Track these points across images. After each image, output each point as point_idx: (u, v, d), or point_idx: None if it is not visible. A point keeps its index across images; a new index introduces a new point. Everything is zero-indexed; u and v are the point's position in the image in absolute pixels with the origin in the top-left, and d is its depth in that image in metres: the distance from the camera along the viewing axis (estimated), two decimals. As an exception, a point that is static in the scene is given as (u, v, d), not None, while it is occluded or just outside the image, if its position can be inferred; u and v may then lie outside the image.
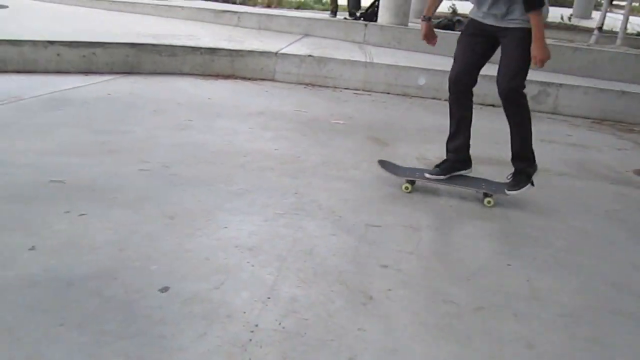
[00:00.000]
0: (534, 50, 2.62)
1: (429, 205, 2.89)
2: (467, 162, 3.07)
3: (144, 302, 1.73)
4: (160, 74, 5.62)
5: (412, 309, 1.88)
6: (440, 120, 4.87)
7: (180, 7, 8.66)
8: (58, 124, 3.60)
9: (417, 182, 3.05)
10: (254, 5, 11.15)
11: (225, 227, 2.31)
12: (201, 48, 5.83)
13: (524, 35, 2.64)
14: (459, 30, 7.62)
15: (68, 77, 5.03)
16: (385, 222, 2.57)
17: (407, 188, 3.02)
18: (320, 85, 5.91)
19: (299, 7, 10.48)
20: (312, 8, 10.53)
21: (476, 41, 2.88)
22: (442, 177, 3.01)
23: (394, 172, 3.09)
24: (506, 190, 2.92)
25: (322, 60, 5.91)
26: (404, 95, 5.85)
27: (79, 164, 2.90)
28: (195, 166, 3.04)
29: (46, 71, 5.17)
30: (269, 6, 10.79)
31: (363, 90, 5.90)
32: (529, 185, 2.90)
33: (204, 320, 1.66)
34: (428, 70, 5.86)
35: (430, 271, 2.17)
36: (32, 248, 1.99)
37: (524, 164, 2.91)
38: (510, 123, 2.86)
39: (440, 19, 8.60)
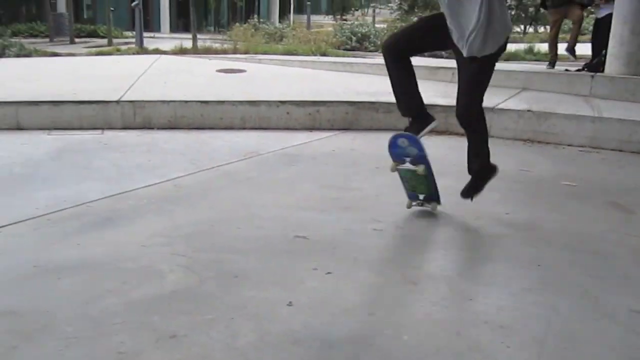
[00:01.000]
0: None
1: None
2: (428, 117, 3.06)
3: (402, 375, 1.70)
4: (376, 129, 5.80)
5: None
6: (697, 184, 4.23)
7: (392, 64, 9.01)
8: (293, 179, 3.88)
9: None
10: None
11: (471, 299, 2.21)
12: (416, 105, 5.91)
13: (488, 62, 2.82)
14: None
15: (295, 134, 5.45)
16: (654, 309, 2.22)
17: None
18: (539, 142, 5.56)
19: (508, 58, 10.18)
20: (523, 59, 10.14)
21: (437, 34, 2.88)
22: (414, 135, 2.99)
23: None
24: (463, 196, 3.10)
25: (542, 115, 5.58)
26: (640, 153, 5.22)
27: (317, 219, 3.06)
28: (427, 228, 3.01)
29: (277, 128, 5.68)
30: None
31: (590, 147, 5.39)
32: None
33: (468, 406, 1.56)
34: (670, 125, 5.18)
35: None
36: (290, 304, 2.11)
37: (483, 162, 3.14)
38: (470, 133, 3.09)
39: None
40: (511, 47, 12.07)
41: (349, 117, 5.83)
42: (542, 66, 8.42)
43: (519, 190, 3.84)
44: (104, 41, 20.67)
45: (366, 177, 4.01)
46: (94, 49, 16.06)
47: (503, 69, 7.91)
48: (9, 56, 14.58)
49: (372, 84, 7.34)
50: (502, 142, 5.49)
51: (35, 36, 25.44)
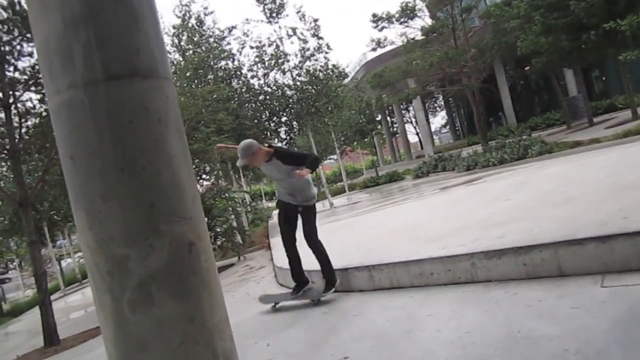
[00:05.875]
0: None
1: None
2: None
3: None
4: None
5: None
6: None
7: None
8: None
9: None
10: None
11: None
12: None
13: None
14: None
15: None
16: None
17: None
18: None
19: None
20: None
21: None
22: (296, 294, 5.29)
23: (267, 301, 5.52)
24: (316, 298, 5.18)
25: None
26: None
27: None
28: None
29: None
30: None
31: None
32: (332, 290, 5.09)
33: None
34: None
35: None
36: None
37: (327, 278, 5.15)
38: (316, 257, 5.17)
39: None
40: None
41: None
42: None
43: None
44: (626, 114, 18.59)
45: None
46: (618, 127, 14.37)
47: None
48: (531, 156, 14.49)
49: None
50: None
51: (551, 125, 25.61)
